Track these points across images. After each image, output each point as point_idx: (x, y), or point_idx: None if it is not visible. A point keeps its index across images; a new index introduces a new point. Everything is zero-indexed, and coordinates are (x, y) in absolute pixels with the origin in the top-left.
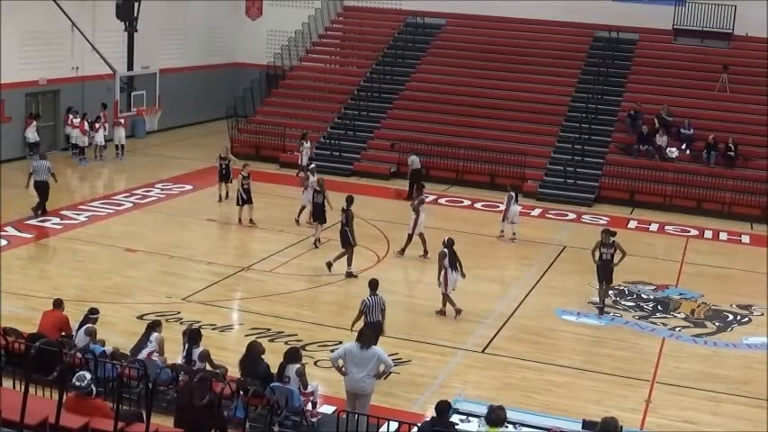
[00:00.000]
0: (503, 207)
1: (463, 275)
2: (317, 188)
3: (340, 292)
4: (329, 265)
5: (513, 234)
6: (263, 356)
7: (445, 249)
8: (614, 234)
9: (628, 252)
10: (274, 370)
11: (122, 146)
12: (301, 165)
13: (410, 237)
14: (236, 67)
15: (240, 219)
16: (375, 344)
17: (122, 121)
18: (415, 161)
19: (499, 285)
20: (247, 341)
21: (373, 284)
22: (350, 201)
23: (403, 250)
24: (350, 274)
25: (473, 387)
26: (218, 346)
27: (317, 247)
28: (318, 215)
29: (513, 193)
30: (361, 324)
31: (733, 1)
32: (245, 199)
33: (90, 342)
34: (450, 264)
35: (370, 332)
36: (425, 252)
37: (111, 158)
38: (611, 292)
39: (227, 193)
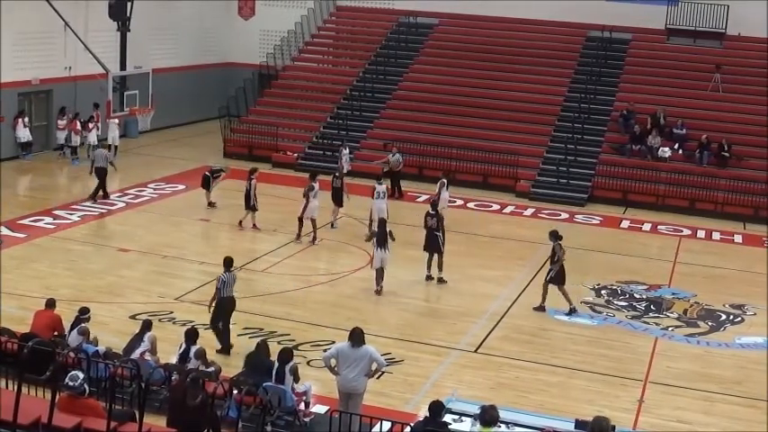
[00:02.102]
0: (435, 193)
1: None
2: (336, 174)
3: (332, 292)
4: (440, 280)
5: None
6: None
7: (374, 228)
8: (560, 238)
9: (621, 252)
10: None
11: (116, 146)
12: (342, 172)
13: (300, 221)
14: (228, 66)
15: (254, 224)
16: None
17: (117, 120)
18: (398, 159)
19: (492, 285)
20: (240, 341)
21: (228, 262)
22: (435, 205)
23: (299, 236)
24: (441, 280)
25: (466, 387)
26: (211, 346)
27: (333, 227)
28: (336, 199)
29: (445, 180)
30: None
31: (726, 1)
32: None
33: (83, 342)
34: (378, 242)
35: (362, 331)
36: (314, 238)
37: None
38: (603, 291)
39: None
